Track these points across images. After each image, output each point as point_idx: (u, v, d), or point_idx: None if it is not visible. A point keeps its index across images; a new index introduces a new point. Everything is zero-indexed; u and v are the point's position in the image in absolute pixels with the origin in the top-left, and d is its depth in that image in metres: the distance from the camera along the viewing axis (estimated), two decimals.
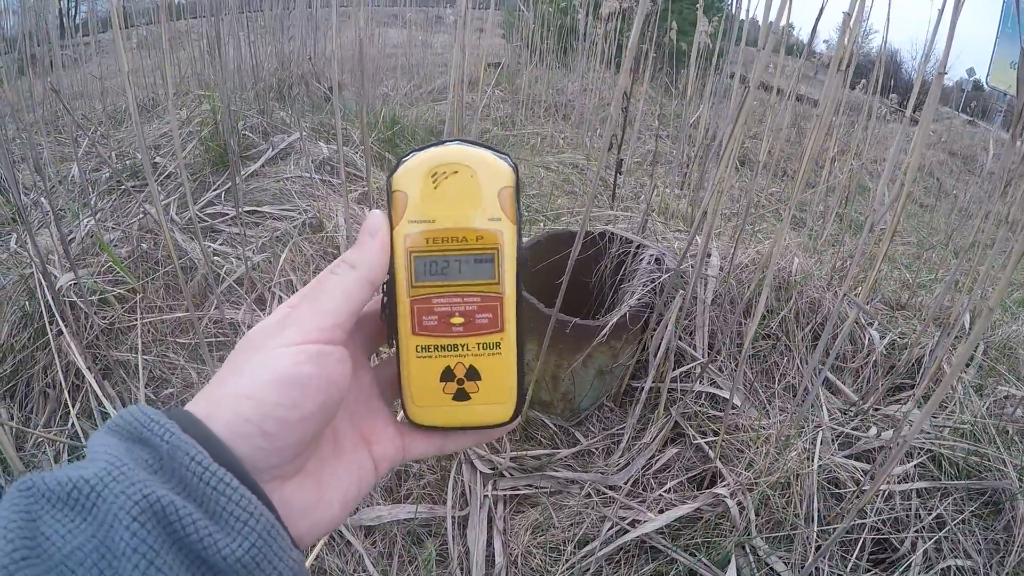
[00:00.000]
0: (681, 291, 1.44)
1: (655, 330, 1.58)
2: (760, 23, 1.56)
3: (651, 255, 1.61)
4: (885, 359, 1.92)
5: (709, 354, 1.68)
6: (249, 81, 3.41)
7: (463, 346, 0.39)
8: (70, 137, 2.88)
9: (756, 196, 3.05)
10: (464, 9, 1.52)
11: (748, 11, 2.79)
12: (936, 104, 1.34)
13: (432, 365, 0.39)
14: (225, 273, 2.08)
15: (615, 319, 1.47)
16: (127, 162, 2.68)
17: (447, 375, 0.39)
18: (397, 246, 0.38)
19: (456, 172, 0.38)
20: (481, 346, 0.39)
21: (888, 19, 2.18)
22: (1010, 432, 1.73)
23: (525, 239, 1.21)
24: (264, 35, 3.71)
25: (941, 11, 1.37)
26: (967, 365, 2.04)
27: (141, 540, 0.27)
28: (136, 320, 1.89)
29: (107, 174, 2.59)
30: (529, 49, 4.67)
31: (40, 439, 1.59)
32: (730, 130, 1.20)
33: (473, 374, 0.39)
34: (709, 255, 1.77)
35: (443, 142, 0.39)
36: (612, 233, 1.71)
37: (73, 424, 1.62)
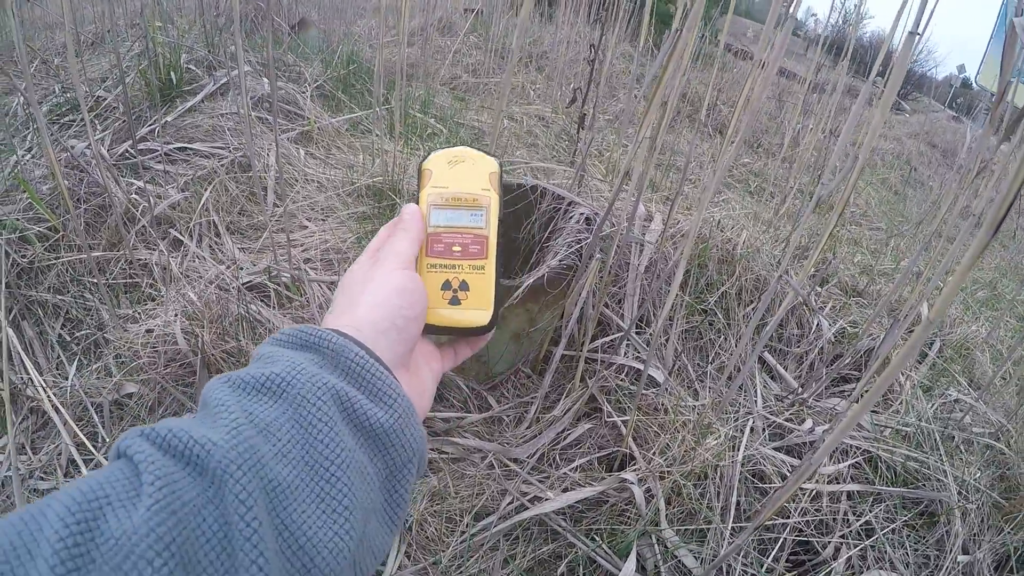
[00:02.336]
0: (599, 255, 1.28)
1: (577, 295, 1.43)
2: None
3: (581, 214, 1.45)
4: (832, 348, 1.80)
5: (638, 325, 1.53)
6: (210, 14, 3.20)
7: (458, 266, 0.54)
8: (14, 69, 2.66)
9: (719, 162, 2.91)
10: None
11: None
12: (904, 70, 1.19)
13: (437, 278, 0.54)
14: (141, 212, 1.91)
15: (530, 281, 1.31)
16: (67, 95, 2.47)
17: (446, 285, 0.54)
18: (423, 201, 0.56)
19: (463, 161, 0.58)
20: (471, 267, 0.54)
21: None
22: (956, 439, 1.61)
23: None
24: None
25: None
26: (919, 362, 1.93)
27: (324, 412, 0.37)
28: (55, 260, 1.76)
29: (47, 107, 2.40)
30: None
31: None
32: (659, 74, 1.03)
33: (464, 286, 0.54)
34: (651, 219, 1.61)
35: (456, 146, 0.59)
36: (544, 188, 1.55)
37: None
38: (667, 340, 1.52)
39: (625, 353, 1.52)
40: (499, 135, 2.96)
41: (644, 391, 1.44)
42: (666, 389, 1.45)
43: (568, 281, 1.40)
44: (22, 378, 1.47)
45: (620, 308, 1.57)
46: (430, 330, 0.53)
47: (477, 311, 0.54)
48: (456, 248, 0.54)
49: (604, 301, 1.51)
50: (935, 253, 1.95)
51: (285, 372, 0.37)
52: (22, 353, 1.51)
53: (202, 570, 0.28)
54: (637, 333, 1.55)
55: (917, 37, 1.14)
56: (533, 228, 1.56)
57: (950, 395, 1.79)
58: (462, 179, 0.57)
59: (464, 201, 0.56)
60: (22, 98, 2.35)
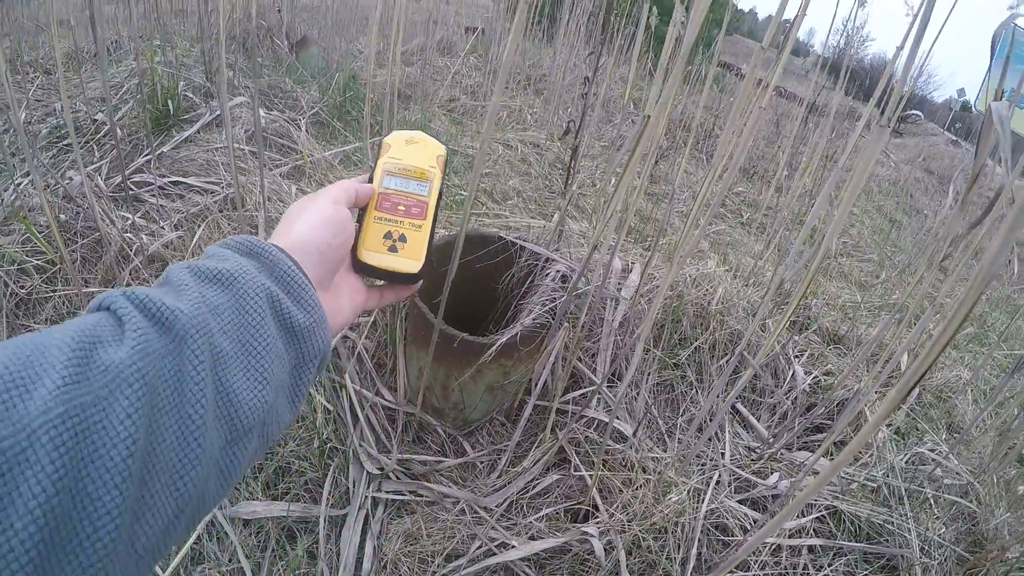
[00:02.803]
0: (565, 324, 1.32)
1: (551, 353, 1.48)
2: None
3: (557, 271, 1.49)
4: (807, 397, 1.82)
5: (610, 380, 1.57)
6: (209, 38, 3.20)
7: (401, 222, 0.66)
8: (14, 82, 2.68)
9: (690, 222, 2.95)
10: None
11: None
12: (895, 108, 1.22)
13: (381, 228, 0.65)
14: (135, 252, 1.94)
15: (503, 339, 1.36)
16: (62, 118, 2.48)
17: (388, 236, 0.65)
18: (379, 168, 0.67)
19: (417, 142, 0.70)
20: (411, 224, 0.66)
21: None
22: (926, 489, 1.63)
23: (446, 233, 1.65)
24: None
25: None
26: (897, 409, 1.95)
27: (259, 306, 0.46)
28: (52, 292, 1.79)
29: (47, 128, 2.42)
30: (511, 14, 4.46)
31: None
32: (638, 132, 1.07)
33: (403, 239, 0.65)
34: (629, 272, 1.65)
35: (415, 132, 0.71)
36: (522, 245, 1.59)
37: None
38: (638, 394, 1.56)
39: (596, 407, 1.56)
40: (494, 163, 2.99)
41: (612, 444, 1.48)
42: (631, 446, 1.49)
43: (541, 339, 1.45)
44: None
45: (593, 362, 1.61)
46: (367, 270, 0.64)
47: (410, 260, 0.65)
48: (401, 207, 0.66)
49: (577, 356, 1.55)
50: (924, 286, 1.96)
51: (234, 269, 0.47)
52: None
53: (161, 399, 0.38)
54: (609, 387, 1.59)
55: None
56: (511, 282, 1.60)
57: (924, 444, 1.81)
58: (414, 155, 0.69)
59: (413, 172, 0.68)
60: (24, 114, 2.36)
